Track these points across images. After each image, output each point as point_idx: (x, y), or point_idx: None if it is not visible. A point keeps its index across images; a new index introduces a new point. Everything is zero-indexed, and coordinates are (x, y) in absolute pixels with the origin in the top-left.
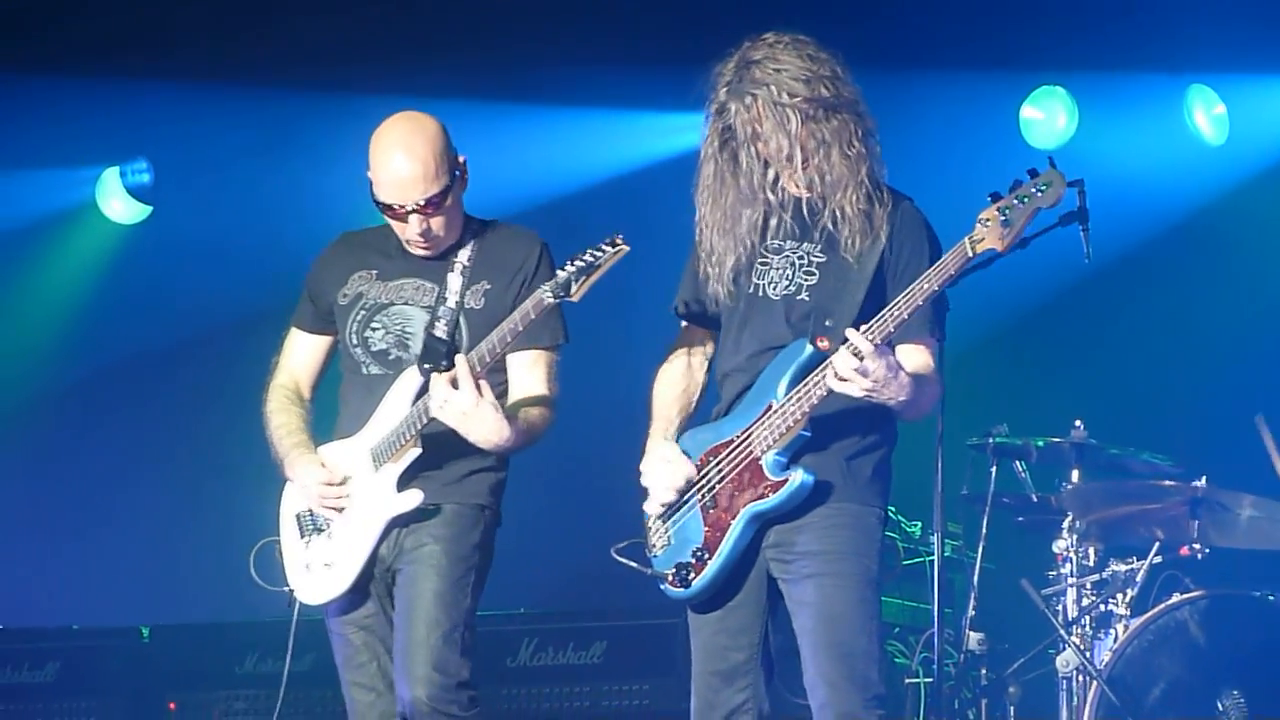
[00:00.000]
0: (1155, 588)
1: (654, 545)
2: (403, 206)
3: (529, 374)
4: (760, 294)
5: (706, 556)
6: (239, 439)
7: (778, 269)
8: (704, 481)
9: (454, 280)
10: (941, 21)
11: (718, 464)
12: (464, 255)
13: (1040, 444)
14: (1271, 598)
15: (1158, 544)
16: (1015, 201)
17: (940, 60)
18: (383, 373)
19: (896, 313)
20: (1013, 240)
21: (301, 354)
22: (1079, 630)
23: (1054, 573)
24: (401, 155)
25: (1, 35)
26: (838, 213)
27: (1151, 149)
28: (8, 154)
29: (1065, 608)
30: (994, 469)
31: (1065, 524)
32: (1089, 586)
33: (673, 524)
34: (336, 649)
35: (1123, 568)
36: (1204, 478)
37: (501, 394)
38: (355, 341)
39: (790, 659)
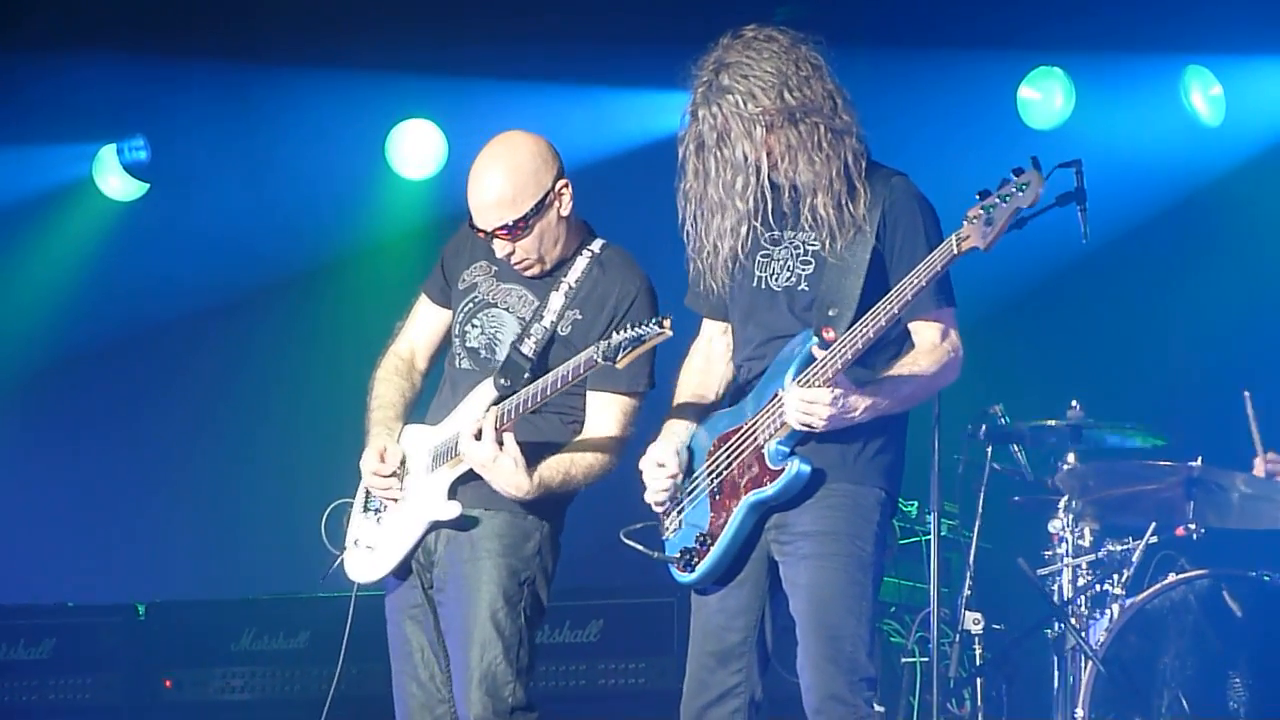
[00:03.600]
0: (1151, 568)
1: (667, 528)
2: (483, 230)
3: (598, 416)
4: (763, 285)
5: (710, 542)
6: (235, 417)
7: (779, 260)
8: (715, 467)
9: (555, 300)
10: (939, 2)
11: (727, 450)
12: (572, 278)
13: (1036, 425)
14: (1267, 578)
15: (1153, 524)
16: (998, 200)
17: (938, 40)
18: (471, 369)
19: (862, 331)
20: (994, 239)
21: (423, 324)
22: (1074, 610)
23: (1050, 553)
24: (483, 179)
25: None
26: (810, 215)
27: (1148, 130)
28: (5, 130)
29: (1061, 587)
30: (990, 449)
31: (1061, 504)
32: (1085, 566)
33: (685, 508)
34: (390, 635)
35: (1118, 548)
36: (1200, 458)
37: (574, 427)
38: (457, 331)
39: (789, 638)
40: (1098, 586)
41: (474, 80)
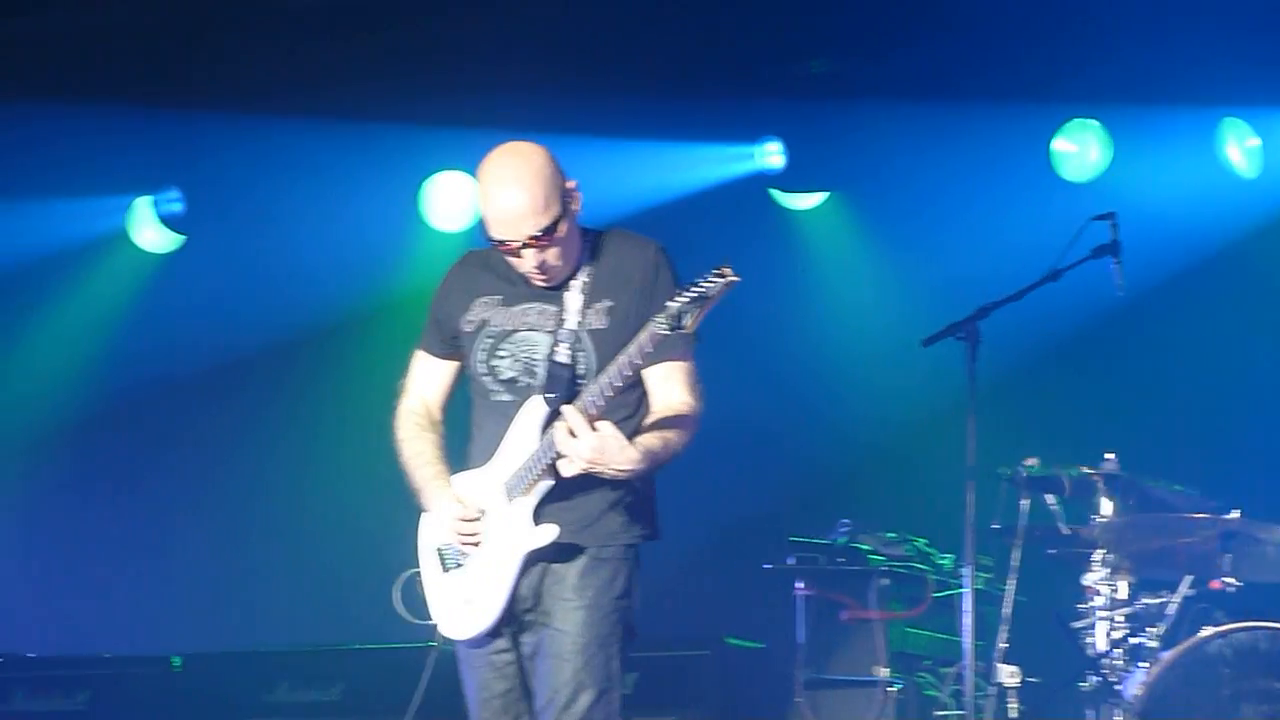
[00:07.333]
0: (1186, 621)
1: None
2: (515, 242)
3: (664, 387)
4: None
5: None
6: (271, 468)
7: None
8: None
9: (572, 301)
10: (975, 54)
11: None
12: (582, 274)
13: (1073, 474)
14: None
15: (1189, 577)
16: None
17: (973, 93)
18: (513, 399)
19: None
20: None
21: (430, 378)
22: (1110, 663)
23: (1085, 605)
24: (508, 190)
25: (37, 65)
26: None
27: (1184, 181)
28: (41, 182)
29: (1096, 640)
30: (1025, 502)
31: (1096, 557)
32: (1120, 619)
33: None
34: (465, 679)
35: (1154, 601)
36: (1237, 510)
37: (634, 413)
38: (484, 370)
39: None
40: (1133, 639)
41: (508, 133)
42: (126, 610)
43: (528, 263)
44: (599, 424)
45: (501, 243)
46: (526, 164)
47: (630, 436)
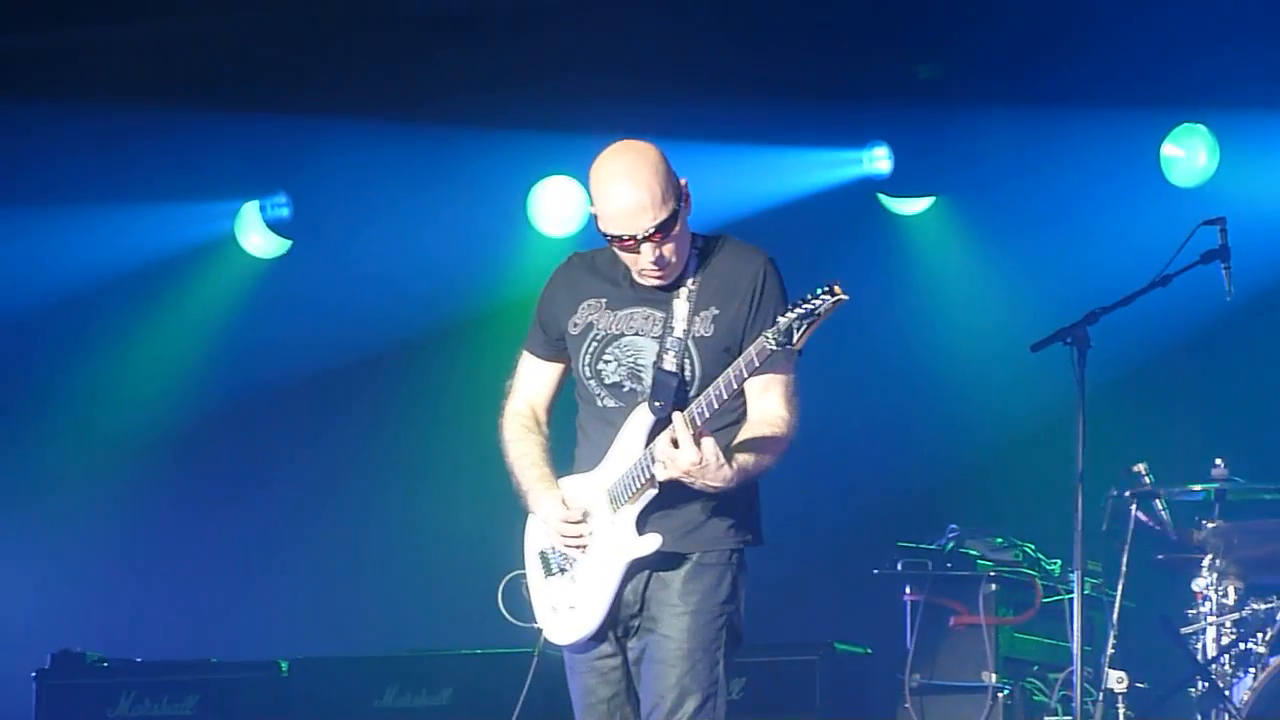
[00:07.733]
0: None
1: None
2: (633, 237)
3: (762, 398)
4: None
5: None
6: (379, 472)
7: None
8: None
9: (680, 308)
10: (1083, 59)
11: None
12: (689, 280)
13: (1177, 492)
14: None
15: None
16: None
17: (1081, 97)
18: (618, 405)
19: None
20: None
21: (536, 380)
22: (1218, 669)
23: (1193, 611)
24: (626, 185)
25: (146, 71)
26: None
27: None
28: (149, 187)
29: (1205, 646)
30: (1134, 507)
31: (1205, 562)
32: (1229, 625)
33: None
34: (572, 686)
35: (1263, 606)
36: None
37: (737, 419)
38: (589, 374)
39: None
40: (1242, 645)
41: (616, 137)
42: (234, 615)
43: (645, 258)
44: (703, 440)
45: (618, 238)
46: (643, 159)
47: (730, 443)
